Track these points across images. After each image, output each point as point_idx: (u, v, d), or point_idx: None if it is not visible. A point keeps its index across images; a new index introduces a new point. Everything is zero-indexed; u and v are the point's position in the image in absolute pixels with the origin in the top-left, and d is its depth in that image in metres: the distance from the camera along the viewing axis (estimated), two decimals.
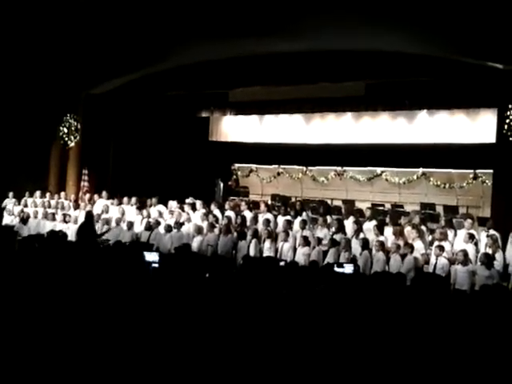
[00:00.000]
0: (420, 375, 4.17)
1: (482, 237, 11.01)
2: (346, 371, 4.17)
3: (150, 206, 14.42)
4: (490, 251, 10.24)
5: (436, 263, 10.06)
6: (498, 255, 10.23)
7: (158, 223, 12.91)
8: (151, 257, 7.90)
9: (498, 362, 4.45)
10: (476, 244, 10.81)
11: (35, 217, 14.41)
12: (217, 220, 12.76)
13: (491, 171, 13.62)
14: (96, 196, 15.46)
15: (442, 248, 10.23)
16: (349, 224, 12.19)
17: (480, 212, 14.32)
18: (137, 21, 13.70)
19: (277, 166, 18.10)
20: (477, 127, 14.66)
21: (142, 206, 14.37)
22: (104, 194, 15.21)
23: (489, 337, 4.99)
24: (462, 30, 11.64)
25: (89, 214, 12.58)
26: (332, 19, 12.27)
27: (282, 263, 10.00)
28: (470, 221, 11.47)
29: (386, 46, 13.06)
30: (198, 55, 15.10)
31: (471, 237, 10.76)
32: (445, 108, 14.76)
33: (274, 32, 13.20)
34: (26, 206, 15.23)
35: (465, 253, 10.00)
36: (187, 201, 14.34)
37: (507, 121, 12.09)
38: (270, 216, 12.83)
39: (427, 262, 10.40)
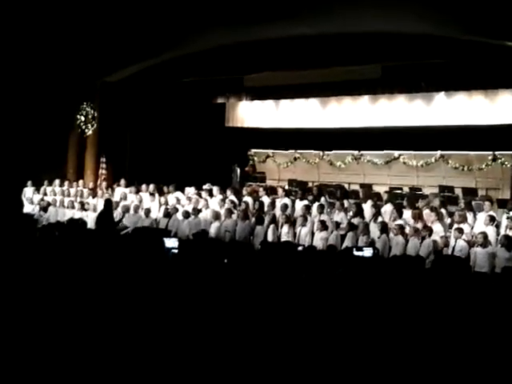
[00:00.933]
0: (441, 357, 4.17)
1: (503, 219, 10.92)
2: (366, 354, 4.18)
3: (168, 193, 14.50)
4: (510, 233, 10.15)
5: (455, 246, 10.00)
6: None
7: (176, 210, 12.97)
8: (170, 243, 7.95)
9: None
10: (497, 226, 10.73)
11: (54, 205, 14.56)
12: (234, 206, 12.78)
13: (510, 152, 13.46)
14: (115, 184, 15.57)
15: (461, 230, 10.17)
16: (367, 208, 12.15)
17: (499, 194, 14.18)
18: (151, 7, 13.68)
19: (293, 151, 18.04)
20: (495, 108, 14.48)
21: (159, 193, 14.44)
22: (122, 181, 15.33)
23: (508, 318, 4.97)
24: (479, 9, 11.46)
25: (108, 202, 12.67)
26: (346, 2, 12.15)
27: (300, 248, 10.02)
28: (488, 203, 11.38)
29: (402, 27, 12.90)
30: (212, 41, 15.05)
31: (492, 219, 10.68)
32: (463, 89, 14.59)
33: (288, 16, 13.09)
34: (45, 194, 15.39)
35: (484, 235, 9.93)
36: (204, 187, 14.39)
37: None
38: (287, 201, 12.83)
39: (446, 244, 10.33)
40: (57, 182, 15.80)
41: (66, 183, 15.79)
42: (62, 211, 14.27)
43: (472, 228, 10.87)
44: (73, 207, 14.24)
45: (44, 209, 14.23)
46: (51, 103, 16.42)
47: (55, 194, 15.30)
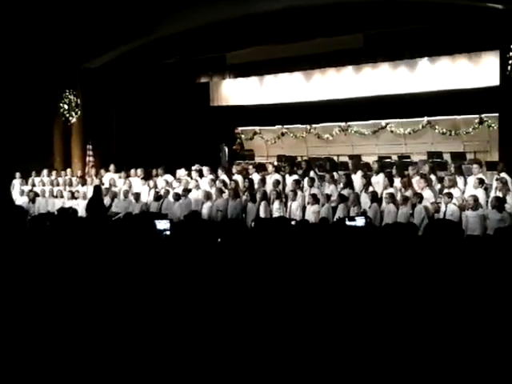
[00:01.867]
0: (438, 321, 4.19)
1: (493, 181, 10.96)
2: (362, 325, 4.19)
3: (156, 176, 14.43)
4: (500, 194, 10.20)
5: (446, 211, 10.05)
6: (509, 198, 10.19)
7: (167, 192, 12.92)
8: (162, 225, 7.93)
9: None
10: (486, 189, 10.78)
11: (43, 195, 14.46)
12: (225, 185, 12.76)
13: (497, 115, 13.47)
14: (103, 170, 15.49)
15: (450, 195, 10.21)
16: (357, 178, 12.17)
17: (488, 156, 14.23)
18: None
19: (280, 126, 17.98)
20: (480, 71, 14.45)
21: (148, 177, 14.38)
22: (111, 167, 15.25)
23: (504, 279, 5.00)
24: None
25: (97, 188, 12.59)
26: None
27: (292, 222, 10.03)
28: (476, 165, 11.43)
29: None
30: (192, 20, 14.88)
31: (481, 182, 10.72)
32: (446, 54, 14.54)
33: None
34: (33, 185, 15.27)
35: (475, 198, 9.98)
36: (194, 168, 14.34)
37: (510, 62, 11.91)
38: (278, 177, 12.82)
39: (437, 210, 10.38)
40: (45, 172, 15.69)
41: (54, 173, 15.67)
42: (51, 201, 14.18)
43: (463, 192, 10.91)
44: (62, 196, 14.16)
45: (33, 200, 14.14)
46: (33, 93, 16.22)
47: (44, 185, 15.18)
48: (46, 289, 4.99)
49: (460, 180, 11.33)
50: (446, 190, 10.60)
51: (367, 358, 3.80)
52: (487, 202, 10.35)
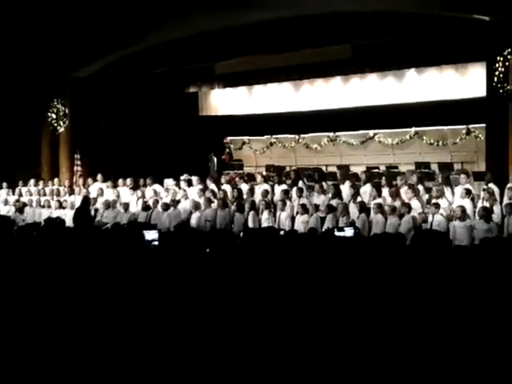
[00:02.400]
0: (426, 330, 4.20)
1: (480, 191, 11.03)
2: (352, 335, 4.19)
3: (145, 185, 14.38)
4: (487, 205, 10.26)
5: (432, 221, 10.09)
6: (496, 208, 10.26)
7: (156, 202, 12.88)
8: (150, 235, 7.89)
9: (501, 313, 4.47)
10: (473, 199, 10.84)
11: (31, 205, 14.35)
12: (214, 195, 12.74)
13: (484, 125, 13.58)
14: (90, 180, 15.41)
15: (437, 205, 10.25)
16: (345, 189, 12.20)
17: (475, 167, 14.33)
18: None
19: (269, 136, 18.01)
20: (467, 82, 14.57)
21: (136, 187, 14.33)
22: (99, 177, 15.18)
23: (492, 289, 5.02)
24: None
25: (85, 199, 12.54)
26: None
27: (281, 233, 10.02)
28: (463, 176, 11.51)
29: (370, 6, 12.90)
30: (181, 30, 14.91)
31: (468, 192, 10.79)
32: (433, 65, 14.66)
33: (256, 1, 13.01)
34: (20, 195, 15.17)
35: (462, 208, 10.02)
36: (182, 178, 14.31)
37: (496, 73, 12.02)
38: (267, 187, 12.82)
39: (425, 220, 10.42)
40: (31, 181, 15.59)
41: (41, 182, 15.58)
42: (38, 211, 14.09)
43: (451, 203, 10.96)
44: (49, 206, 14.07)
45: (20, 210, 14.02)
46: (20, 102, 16.16)
47: (31, 194, 15.09)
48: (33, 299, 4.94)
49: (447, 190, 11.39)
50: (433, 201, 10.65)
51: (356, 368, 3.80)
52: (474, 212, 10.40)
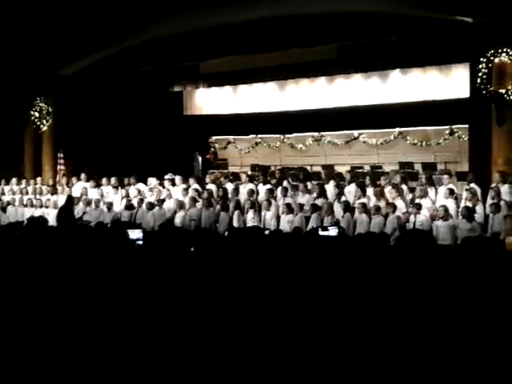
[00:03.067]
0: (410, 329, 4.22)
1: (463, 191, 11.13)
2: (338, 333, 4.20)
3: (128, 184, 14.31)
4: (470, 204, 10.35)
5: (415, 221, 10.15)
6: (479, 208, 10.36)
7: (141, 201, 12.82)
8: (135, 234, 7.85)
9: (484, 310, 4.51)
10: (456, 198, 10.93)
11: (13, 204, 14.23)
12: (198, 194, 12.72)
13: (467, 126, 13.70)
14: (74, 179, 15.30)
15: (419, 206, 10.33)
16: (329, 188, 12.24)
17: (458, 167, 14.45)
18: None
19: (254, 135, 18.01)
20: (450, 83, 14.70)
21: (120, 186, 14.25)
22: (83, 176, 15.08)
23: (475, 287, 5.06)
24: None
25: (69, 198, 12.46)
26: None
27: (266, 232, 10.03)
28: (446, 176, 11.63)
29: (356, 6, 12.95)
30: (165, 29, 14.85)
31: (451, 192, 10.89)
32: (417, 66, 14.77)
33: (240, 1, 13.00)
34: (3, 193, 15.03)
35: (445, 208, 10.11)
36: (166, 177, 14.26)
37: (480, 74, 12.13)
38: (252, 186, 12.83)
39: (408, 220, 10.49)
40: (14, 180, 15.45)
41: (24, 181, 15.44)
42: (21, 210, 13.97)
43: (434, 202, 11.05)
44: (32, 205, 13.96)
45: (3, 209, 13.90)
46: (3, 100, 16.01)
47: (13, 193, 14.95)
48: (16, 299, 4.90)
49: (431, 190, 11.47)
50: (417, 200, 10.73)
51: (346, 370, 3.81)
52: (457, 211, 10.49)
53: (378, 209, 10.49)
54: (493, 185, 11.00)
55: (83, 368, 3.89)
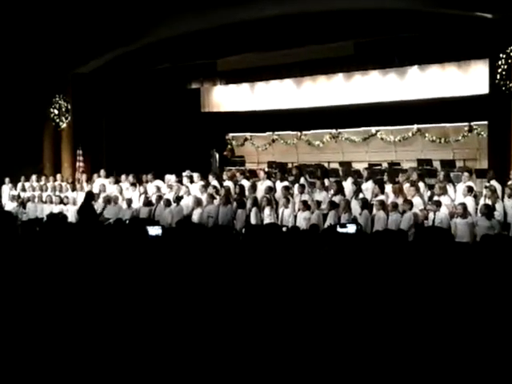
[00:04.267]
0: (429, 326, 4.22)
1: (482, 188, 11.05)
2: (355, 330, 4.21)
3: (146, 181, 14.40)
4: (489, 202, 10.28)
5: (434, 218, 10.10)
6: (498, 205, 10.27)
7: (159, 198, 12.89)
8: (154, 231, 7.91)
9: (501, 308, 4.50)
10: (475, 196, 10.86)
11: (33, 201, 14.40)
12: (216, 191, 12.75)
13: (486, 123, 13.58)
14: (95, 175, 15.44)
15: (438, 203, 10.27)
16: (347, 185, 12.21)
17: (477, 164, 14.33)
18: None
19: (271, 132, 18.02)
20: (469, 79, 14.56)
21: (139, 183, 14.35)
22: (102, 172, 15.21)
23: (493, 285, 5.04)
24: None
25: (89, 194, 12.57)
26: None
27: (284, 229, 10.05)
28: (466, 174, 11.54)
29: (373, 3, 12.90)
30: (183, 26, 14.91)
31: (470, 189, 10.80)
32: (435, 62, 14.63)
33: None
34: (23, 190, 15.21)
35: (464, 206, 10.04)
36: (184, 174, 14.33)
37: (499, 70, 12.02)
38: (270, 183, 12.83)
39: (426, 217, 10.43)
40: (33, 177, 15.63)
41: (43, 178, 15.62)
42: (40, 206, 14.13)
43: (453, 200, 10.98)
44: (51, 202, 14.10)
45: (23, 205, 14.08)
46: (23, 98, 16.19)
47: (33, 190, 15.12)
48: (38, 293, 4.98)
49: (450, 187, 11.40)
50: (435, 198, 10.67)
51: (358, 366, 3.82)
52: (476, 209, 10.42)
53: (395, 206, 10.45)
54: (509, 182, 10.92)
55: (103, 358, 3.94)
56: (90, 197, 12.44)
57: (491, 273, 5.52)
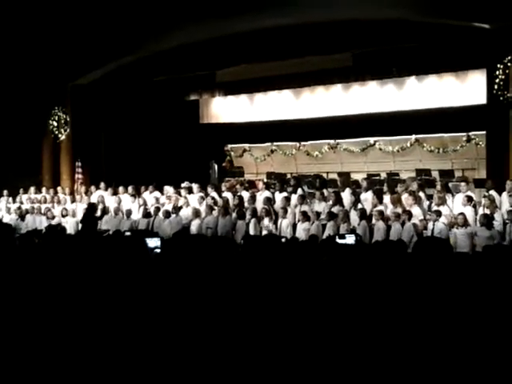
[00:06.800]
0: (428, 337, 4.20)
1: (480, 198, 11.04)
2: (353, 342, 4.19)
3: (146, 190, 14.41)
4: (488, 212, 10.27)
5: (433, 228, 10.09)
6: (497, 215, 10.27)
7: (158, 209, 12.89)
8: (153, 243, 7.88)
9: (502, 319, 4.48)
10: (474, 206, 10.85)
11: (32, 213, 14.38)
12: (215, 202, 12.75)
13: (484, 132, 13.61)
14: (93, 187, 15.43)
15: (438, 213, 10.26)
16: (346, 196, 12.22)
17: (476, 174, 14.35)
18: (117, 7, 13.55)
19: (270, 143, 18.05)
20: (467, 89, 14.61)
21: (137, 194, 14.35)
22: (102, 185, 15.20)
23: (494, 296, 5.02)
24: None
25: (91, 205, 12.59)
26: None
27: (283, 240, 10.02)
28: (464, 184, 11.53)
29: (371, 14, 12.97)
30: (181, 38, 14.98)
31: (469, 199, 10.80)
32: (433, 72, 14.70)
33: (256, 8, 13.07)
34: (21, 202, 15.20)
35: (464, 216, 10.03)
36: (183, 185, 14.33)
37: (497, 80, 12.08)
38: (269, 194, 12.84)
39: (425, 227, 10.43)
40: (32, 189, 15.61)
41: (43, 190, 15.61)
42: (39, 218, 14.11)
43: (452, 210, 10.97)
44: (50, 214, 14.08)
45: (21, 217, 14.05)
46: (22, 110, 16.21)
47: (32, 202, 15.11)
48: (36, 306, 4.95)
49: (448, 198, 11.40)
50: (434, 208, 10.66)
51: (356, 375, 3.80)
52: (476, 219, 10.41)
53: (398, 216, 10.44)
54: (507, 192, 10.93)
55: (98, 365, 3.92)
56: (92, 209, 12.44)
57: (493, 284, 5.50)
